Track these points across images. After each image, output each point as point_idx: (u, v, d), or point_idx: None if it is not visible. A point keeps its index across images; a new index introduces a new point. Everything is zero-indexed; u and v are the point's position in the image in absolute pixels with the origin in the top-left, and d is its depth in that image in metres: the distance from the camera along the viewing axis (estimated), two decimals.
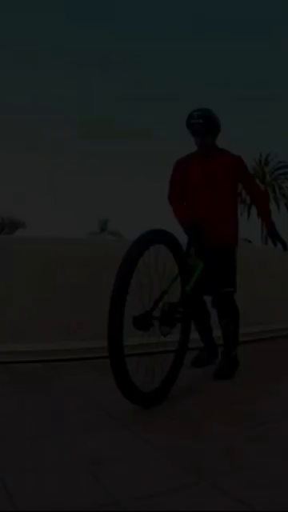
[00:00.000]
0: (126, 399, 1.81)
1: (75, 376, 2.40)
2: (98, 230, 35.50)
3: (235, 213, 2.60)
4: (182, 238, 2.33)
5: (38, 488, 1.18)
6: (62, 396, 2.04)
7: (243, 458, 1.38)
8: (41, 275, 2.87)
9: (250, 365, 2.72)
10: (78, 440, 1.52)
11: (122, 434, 1.59)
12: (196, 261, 2.33)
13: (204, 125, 2.45)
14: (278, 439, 1.54)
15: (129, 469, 1.32)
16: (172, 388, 2.13)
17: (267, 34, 50.77)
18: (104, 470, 1.29)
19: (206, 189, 2.48)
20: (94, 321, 2.94)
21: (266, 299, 3.78)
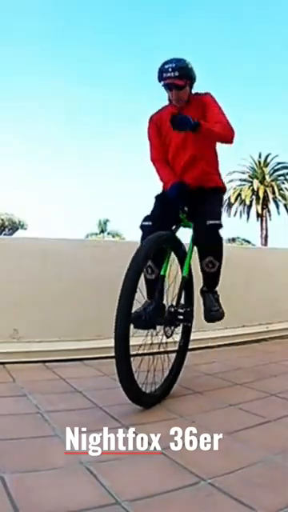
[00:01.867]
0: (129, 399, 1.81)
1: (75, 376, 2.39)
2: (98, 231, 35.48)
3: (216, 161, 2.44)
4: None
5: (37, 488, 1.17)
6: (62, 396, 2.03)
7: (243, 458, 1.38)
8: (40, 275, 2.87)
9: (251, 364, 2.73)
10: (78, 440, 1.51)
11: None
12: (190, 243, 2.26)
13: (181, 77, 2.20)
14: (278, 439, 1.54)
15: (129, 469, 1.32)
16: (173, 387, 2.13)
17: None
18: (104, 470, 1.29)
19: (184, 145, 2.31)
20: (95, 321, 2.95)
21: None
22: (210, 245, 2.23)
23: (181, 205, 2.27)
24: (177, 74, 2.18)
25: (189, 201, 2.27)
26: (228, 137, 2.27)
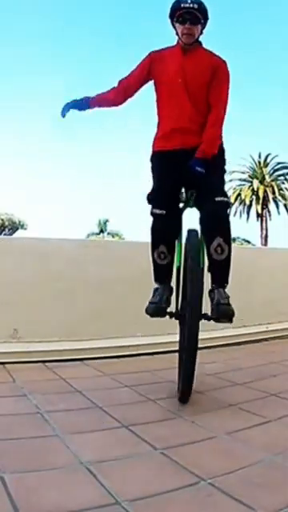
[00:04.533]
0: None
1: (75, 376, 2.39)
2: (98, 231, 35.49)
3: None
4: None
5: (37, 488, 1.17)
6: (62, 396, 2.03)
7: (243, 458, 1.38)
8: (40, 275, 2.87)
9: (251, 364, 2.73)
10: (78, 440, 1.51)
11: (121, 434, 1.59)
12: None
13: (199, 10, 2.09)
14: (278, 439, 1.54)
15: (129, 469, 1.32)
16: (173, 387, 2.13)
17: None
18: (104, 470, 1.29)
19: (183, 90, 2.14)
20: (95, 321, 2.96)
21: None
22: (219, 224, 2.05)
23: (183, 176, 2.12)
24: (196, 6, 2.08)
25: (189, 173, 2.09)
26: (222, 120, 2.18)
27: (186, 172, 2.07)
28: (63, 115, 2.29)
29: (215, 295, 2.02)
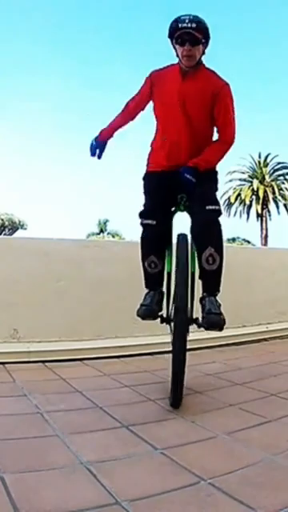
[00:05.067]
0: None
1: (75, 376, 2.39)
2: (98, 231, 35.49)
3: (212, 137, 2.22)
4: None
5: (38, 488, 1.17)
6: (62, 396, 2.03)
7: (243, 458, 1.38)
8: (40, 275, 2.87)
9: (251, 364, 2.73)
10: (78, 440, 1.51)
11: (121, 434, 1.59)
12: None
13: (198, 30, 1.97)
14: (278, 439, 1.54)
15: (129, 469, 1.32)
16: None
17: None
18: (104, 470, 1.29)
19: (181, 113, 2.11)
20: (95, 321, 2.96)
21: None
22: (210, 234, 2.03)
23: (178, 190, 2.14)
24: (194, 25, 1.96)
25: (185, 186, 2.10)
26: (229, 148, 2.19)
27: (176, 182, 2.10)
28: (99, 157, 2.29)
29: (206, 303, 2.02)
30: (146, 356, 2.93)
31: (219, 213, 2.07)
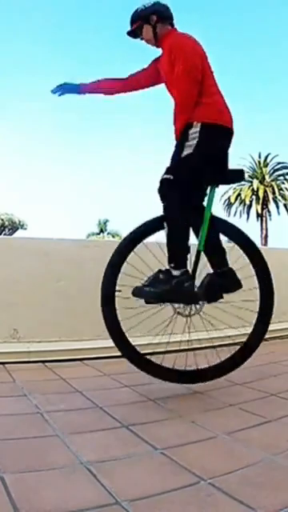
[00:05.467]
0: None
1: (75, 376, 2.39)
2: (98, 231, 35.50)
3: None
4: None
5: (38, 488, 1.17)
6: (62, 396, 2.03)
7: (243, 458, 1.38)
8: (40, 275, 2.87)
9: (251, 364, 2.72)
10: (78, 440, 1.51)
11: (121, 434, 1.59)
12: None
13: (130, 24, 2.25)
14: (278, 439, 1.54)
15: (129, 469, 1.32)
16: (173, 387, 2.13)
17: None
18: (104, 470, 1.29)
19: (169, 89, 2.23)
20: (95, 321, 2.95)
21: None
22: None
23: None
24: (130, 26, 2.24)
25: None
26: (179, 108, 2.10)
27: None
28: (54, 92, 2.32)
29: (228, 274, 2.25)
30: (146, 356, 2.92)
31: (164, 183, 2.03)
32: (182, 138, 2.10)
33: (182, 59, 2.06)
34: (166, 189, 2.03)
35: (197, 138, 2.06)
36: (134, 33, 2.23)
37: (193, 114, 2.08)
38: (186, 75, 2.05)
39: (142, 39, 2.23)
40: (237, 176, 2.24)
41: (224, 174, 2.16)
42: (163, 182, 2.03)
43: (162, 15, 2.19)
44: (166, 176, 2.02)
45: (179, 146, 2.11)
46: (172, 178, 2.02)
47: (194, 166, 2.05)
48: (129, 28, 2.24)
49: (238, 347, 2.29)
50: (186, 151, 2.07)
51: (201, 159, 2.05)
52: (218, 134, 2.10)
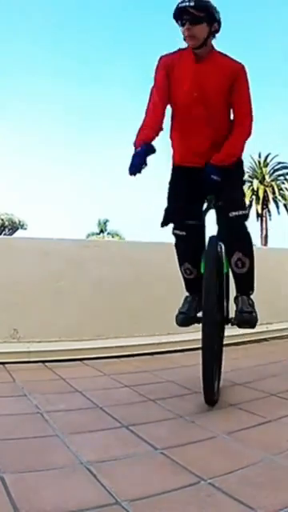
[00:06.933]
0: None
1: (75, 376, 2.39)
2: (98, 231, 35.50)
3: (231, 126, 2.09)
4: None
5: (38, 488, 1.17)
6: (62, 396, 2.03)
7: (243, 458, 1.38)
8: (40, 275, 2.87)
9: (251, 364, 2.72)
10: (78, 440, 1.51)
11: (121, 434, 1.59)
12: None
13: (197, 8, 1.89)
14: (278, 439, 1.54)
15: (129, 469, 1.32)
16: (173, 387, 2.13)
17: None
18: (104, 470, 1.29)
19: (198, 101, 2.00)
20: (94, 321, 2.96)
21: None
22: (236, 240, 2.04)
23: (205, 190, 2.06)
24: (192, 3, 1.88)
25: (211, 184, 2.01)
26: (249, 135, 2.09)
27: (203, 182, 2.02)
28: (135, 173, 1.93)
29: (239, 302, 2.08)
30: (146, 356, 2.93)
31: (244, 218, 2.04)
32: (238, 169, 2.13)
33: (250, 90, 2.05)
34: (245, 223, 2.08)
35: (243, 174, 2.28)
36: (193, 18, 1.90)
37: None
38: (252, 108, 2.09)
39: (186, 29, 1.92)
40: None
41: None
42: (246, 217, 2.06)
43: (219, 29, 2.01)
44: (242, 212, 2.03)
45: (239, 177, 2.17)
46: (248, 214, 2.14)
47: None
48: (188, 3, 1.87)
49: None
50: (241, 188, 2.24)
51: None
52: None
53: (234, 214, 1.99)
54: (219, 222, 2.06)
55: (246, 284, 2.10)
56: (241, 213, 2.00)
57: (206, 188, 2.04)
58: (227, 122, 2.08)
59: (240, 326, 2.08)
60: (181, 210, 2.08)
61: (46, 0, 57.39)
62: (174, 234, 2.13)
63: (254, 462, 1.34)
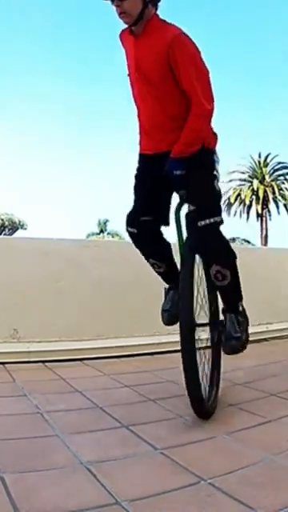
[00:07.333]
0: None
1: (75, 376, 2.39)
2: (98, 231, 35.50)
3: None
4: None
5: (38, 488, 1.17)
6: (62, 396, 2.03)
7: (243, 458, 1.38)
8: (40, 275, 2.87)
9: (251, 364, 2.72)
10: (78, 440, 1.51)
11: (121, 434, 1.59)
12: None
13: None
14: (278, 439, 1.54)
15: (129, 469, 1.32)
16: (173, 387, 2.12)
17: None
18: (104, 470, 1.29)
19: (144, 84, 1.76)
20: (95, 321, 2.96)
21: None
22: (210, 252, 1.76)
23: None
24: None
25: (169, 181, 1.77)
26: (202, 120, 1.73)
27: (164, 179, 1.79)
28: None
29: (227, 323, 1.82)
30: (146, 356, 2.93)
31: (215, 226, 1.72)
32: (205, 159, 1.78)
33: (194, 58, 1.71)
34: (219, 231, 1.75)
35: (218, 166, 1.83)
36: None
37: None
38: (204, 79, 1.72)
39: (115, 6, 1.69)
40: None
41: None
42: (218, 225, 1.73)
43: None
44: (213, 220, 1.71)
45: (207, 170, 1.78)
46: (222, 219, 1.76)
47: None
48: None
49: None
50: (217, 183, 1.81)
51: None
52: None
53: (202, 223, 1.69)
54: (188, 230, 1.79)
55: (231, 296, 1.83)
56: (211, 221, 1.70)
57: (174, 184, 1.80)
58: (184, 105, 1.73)
59: (229, 354, 1.85)
60: (135, 205, 1.91)
61: (45, 0, 57.36)
62: (126, 230, 1.94)
63: (254, 462, 1.34)
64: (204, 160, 1.77)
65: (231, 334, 1.77)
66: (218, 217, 1.73)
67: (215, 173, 1.81)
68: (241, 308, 1.87)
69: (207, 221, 1.69)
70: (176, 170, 1.73)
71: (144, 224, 1.88)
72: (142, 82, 1.77)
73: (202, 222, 1.69)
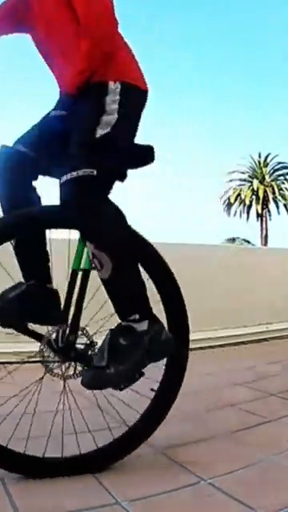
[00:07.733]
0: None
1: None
2: None
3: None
4: None
5: (37, 488, 1.17)
6: (61, 396, 2.03)
7: (243, 458, 1.38)
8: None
9: (251, 364, 2.73)
10: (78, 440, 1.51)
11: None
12: None
13: None
14: (278, 439, 1.54)
15: (129, 469, 1.32)
16: None
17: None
18: (104, 471, 1.28)
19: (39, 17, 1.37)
20: (94, 321, 2.95)
21: None
22: (80, 220, 1.31)
23: None
24: None
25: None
26: (91, 43, 1.25)
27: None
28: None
29: (103, 343, 1.34)
30: None
31: (86, 180, 1.19)
32: (92, 104, 1.28)
33: None
34: (90, 192, 1.22)
35: (117, 106, 1.27)
36: None
37: (106, 66, 1.29)
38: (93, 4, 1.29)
39: None
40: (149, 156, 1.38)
41: (137, 157, 1.39)
42: (82, 180, 1.19)
43: None
44: (83, 172, 1.19)
45: (88, 118, 1.27)
46: (95, 173, 1.20)
47: (119, 149, 1.29)
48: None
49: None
50: (104, 129, 1.25)
51: (126, 138, 1.32)
52: (142, 101, 1.37)
53: (64, 178, 1.20)
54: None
55: (115, 299, 1.38)
56: (79, 174, 1.18)
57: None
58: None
59: (85, 387, 1.35)
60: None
61: None
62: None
63: (254, 462, 1.34)
64: (91, 96, 1.29)
65: (94, 362, 1.29)
66: (89, 169, 1.19)
67: (101, 108, 1.27)
68: (136, 326, 1.31)
69: (69, 175, 1.19)
70: (57, 109, 1.41)
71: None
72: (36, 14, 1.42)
73: (64, 177, 1.21)
